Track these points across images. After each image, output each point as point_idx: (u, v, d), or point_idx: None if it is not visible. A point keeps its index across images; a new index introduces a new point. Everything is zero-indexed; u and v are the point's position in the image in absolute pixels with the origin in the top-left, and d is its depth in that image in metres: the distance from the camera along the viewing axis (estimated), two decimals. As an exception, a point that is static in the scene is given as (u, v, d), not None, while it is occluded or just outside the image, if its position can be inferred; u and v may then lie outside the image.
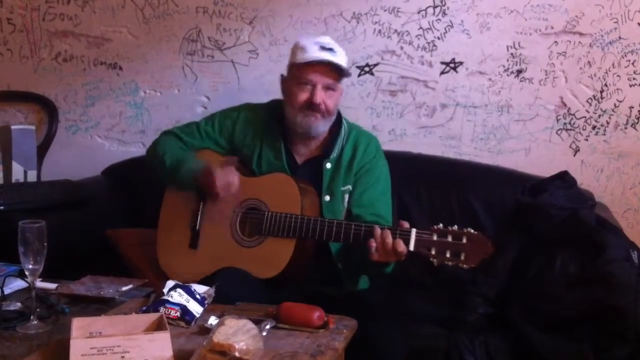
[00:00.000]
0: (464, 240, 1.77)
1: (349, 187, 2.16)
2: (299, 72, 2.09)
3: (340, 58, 2.09)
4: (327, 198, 2.13)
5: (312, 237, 1.97)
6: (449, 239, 1.78)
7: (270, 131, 2.19)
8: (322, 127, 2.13)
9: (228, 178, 2.05)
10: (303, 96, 2.08)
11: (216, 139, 2.24)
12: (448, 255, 1.78)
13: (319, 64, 2.06)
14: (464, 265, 1.76)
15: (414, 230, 1.82)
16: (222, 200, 2.07)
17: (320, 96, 2.07)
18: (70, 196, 2.61)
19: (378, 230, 1.84)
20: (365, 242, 1.86)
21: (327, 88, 2.09)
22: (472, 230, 1.78)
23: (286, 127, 2.16)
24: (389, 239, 1.82)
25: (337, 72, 2.09)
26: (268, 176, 2.12)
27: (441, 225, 1.81)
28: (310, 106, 2.07)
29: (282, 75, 2.21)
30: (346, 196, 2.16)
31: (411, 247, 1.81)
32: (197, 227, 2.14)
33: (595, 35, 2.58)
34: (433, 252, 1.79)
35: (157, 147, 2.26)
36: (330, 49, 2.08)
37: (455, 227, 1.79)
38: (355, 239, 1.91)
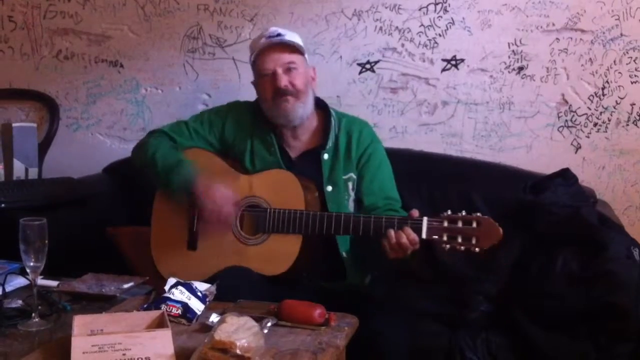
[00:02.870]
0: (474, 225, 1.82)
1: (352, 174, 2.15)
2: (257, 67, 2.12)
3: (288, 37, 2.11)
4: (330, 188, 2.11)
5: (320, 232, 1.97)
6: (459, 224, 1.83)
7: (260, 128, 2.17)
8: (300, 110, 2.10)
9: (222, 209, 1.99)
10: (268, 86, 2.08)
11: (206, 137, 2.20)
12: (460, 240, 1.82)
13: (270, 50, 2.08)
14: (476, 249, 1.81)
15: (425, 219, 1.86)
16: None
17: (283, 79, 2.06)
18: (72, 194, 2.61)
19: (392, 232, 1.86)
20: (375, 234, 1.89)
21: (288, 69, 2.08)
22: (480, 215, 1.83)
23: (274, 124, 2.15)
24: (403, 238, 1.84)
25: (291, 50, 2.09)
26: (267, 173, 2.10)
27: (449, 211, 1.85)
28: (278, 92, 2.06)
29: (253, 82, 2.22)
30: (349, 184, 2.14)
31: (423, 235, 1.85)
32: (194, 228, 2.10)
33: (597, 32, 2.57)
34: (445, 239, 1.84)
35: (144, 148, 2.17)
36: (278, 35, 2.10)
37: (464, 212, 1.84)
38: (365, 231, 1.92)
